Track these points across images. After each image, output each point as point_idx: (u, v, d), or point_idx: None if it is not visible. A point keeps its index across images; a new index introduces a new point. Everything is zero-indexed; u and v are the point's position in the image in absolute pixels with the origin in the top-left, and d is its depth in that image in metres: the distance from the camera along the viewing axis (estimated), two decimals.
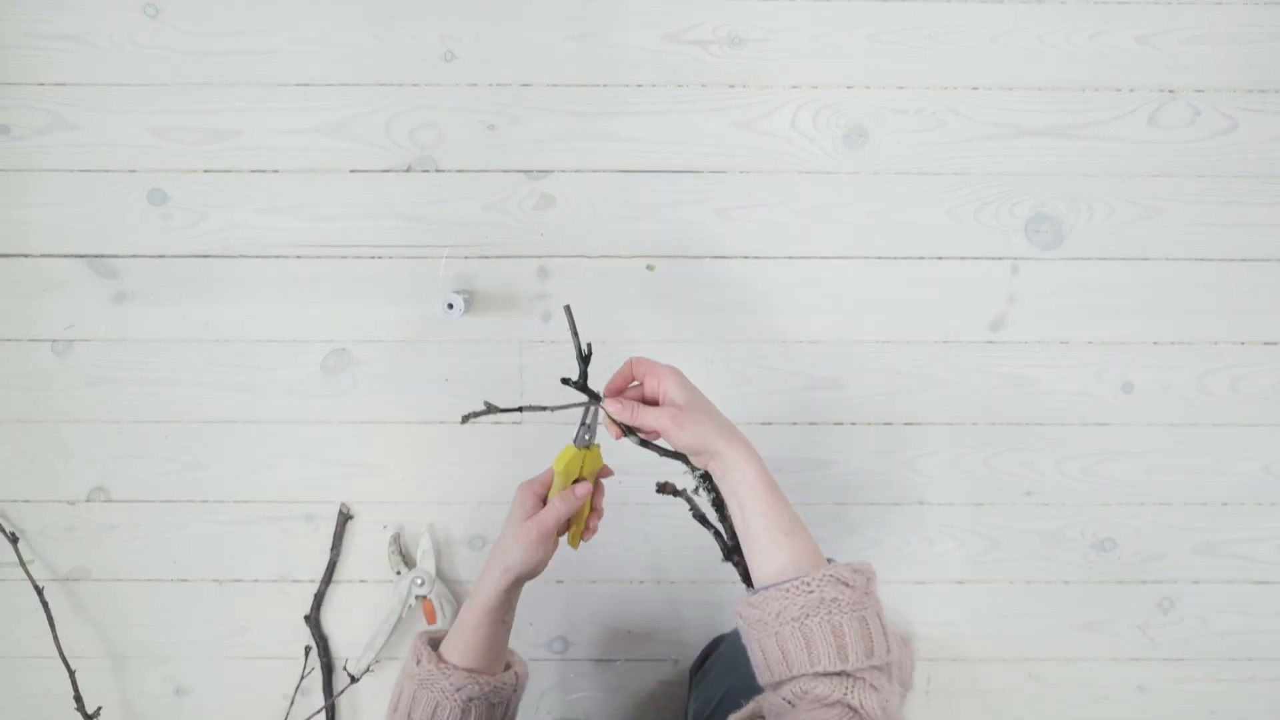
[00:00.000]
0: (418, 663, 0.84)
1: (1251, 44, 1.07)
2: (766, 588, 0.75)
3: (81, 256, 1.08)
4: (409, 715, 0.83)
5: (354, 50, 1.07)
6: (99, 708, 1.09)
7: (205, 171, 1.08)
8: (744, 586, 0.81)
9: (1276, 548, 1.12)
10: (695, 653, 1.11)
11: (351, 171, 1.08)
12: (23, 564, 1.09)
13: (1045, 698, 1.13)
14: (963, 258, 1.09)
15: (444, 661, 0.84)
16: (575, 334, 0.83)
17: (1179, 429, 1.11)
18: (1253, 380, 1.10)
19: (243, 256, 1.08)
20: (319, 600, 1.11)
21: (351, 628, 1.12)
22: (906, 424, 1.10)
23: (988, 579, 1.12)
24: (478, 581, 0.85)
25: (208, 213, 1.08)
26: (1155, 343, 1.10)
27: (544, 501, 0.85)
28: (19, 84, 1.06)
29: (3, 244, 1.08)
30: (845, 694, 0.70)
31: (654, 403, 0.81)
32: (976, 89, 1.08)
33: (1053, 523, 1.11)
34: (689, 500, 0.87)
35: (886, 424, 1.10)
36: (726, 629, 1.11)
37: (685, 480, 0.84)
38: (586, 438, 0.84)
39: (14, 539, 1.09)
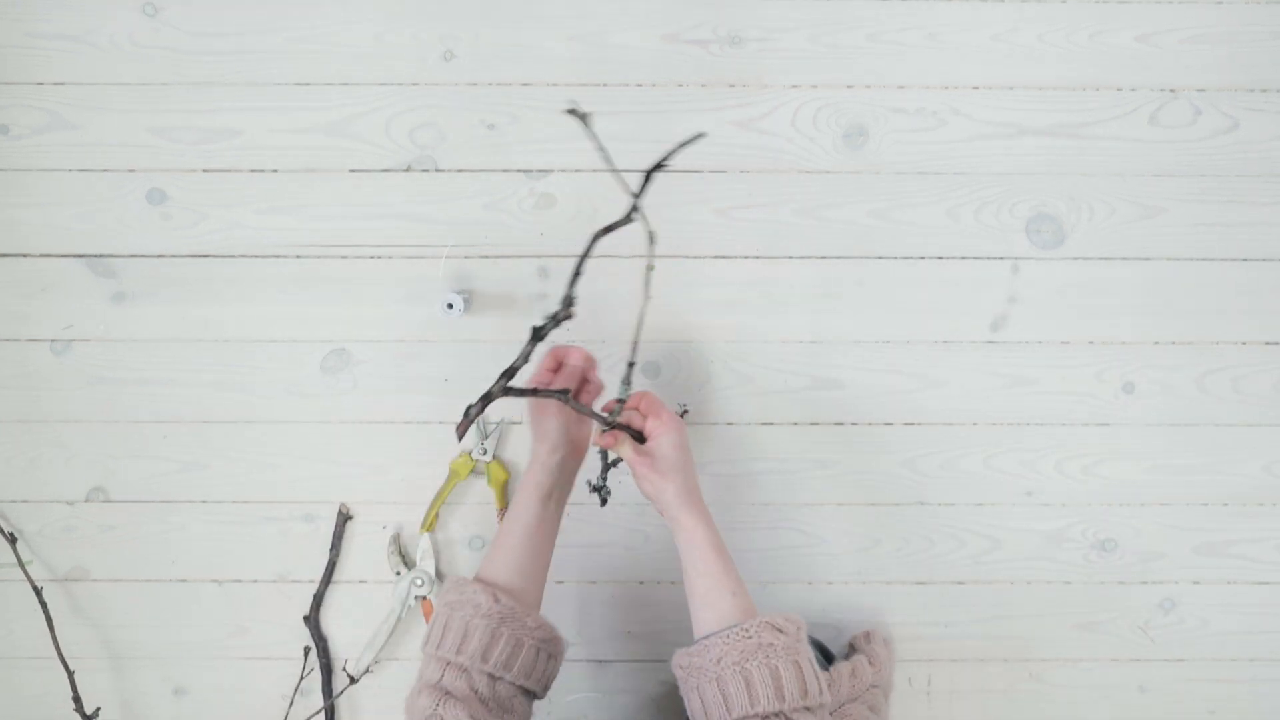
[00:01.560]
0: (496, 600, 0.85)
1: (1253, 43, 1.07)
2: (707, 636, 0.82)
3: (80, 256, 1.08)
4: (440, 642, 0.85)
5: (353, 50, 1.07)
6: (98, 708, 1.09)
7: (204, 171, 1.07)
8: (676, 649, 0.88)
9: (1277, 548, 1.12)
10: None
11: (351, 171, 1.08)
12: (21, 564, 1.09)
13: (1046, 698, 1.13)
14: (963, 257, 1.09)
15: (479, 581, 0.88)
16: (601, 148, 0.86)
17: (1180, 429, 1.10)
18: (1254, 380, 1.10)
19: (242, 256, 1.08)
20: (318, 601, 1.10)
21: (351, 628, 1.12)
22: (906, 424, 1.10)
23: (988, 579, 1.12)
24: (512, 503, 0.92)
25: (207, 212, 1.07)
26: (1156, 343, 1.10)
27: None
28: (18, 83, 1.06)
29: (1, 243, 1.08)
30: None
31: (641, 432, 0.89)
32: (977, 88, 1.08)
33: (1053, 523, 1.11)
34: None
35: (887, 424, 1.10)
36: None
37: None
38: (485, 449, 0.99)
39: (13, 539, 1.09)
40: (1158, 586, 1.12)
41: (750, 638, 0.80)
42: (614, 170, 0.85)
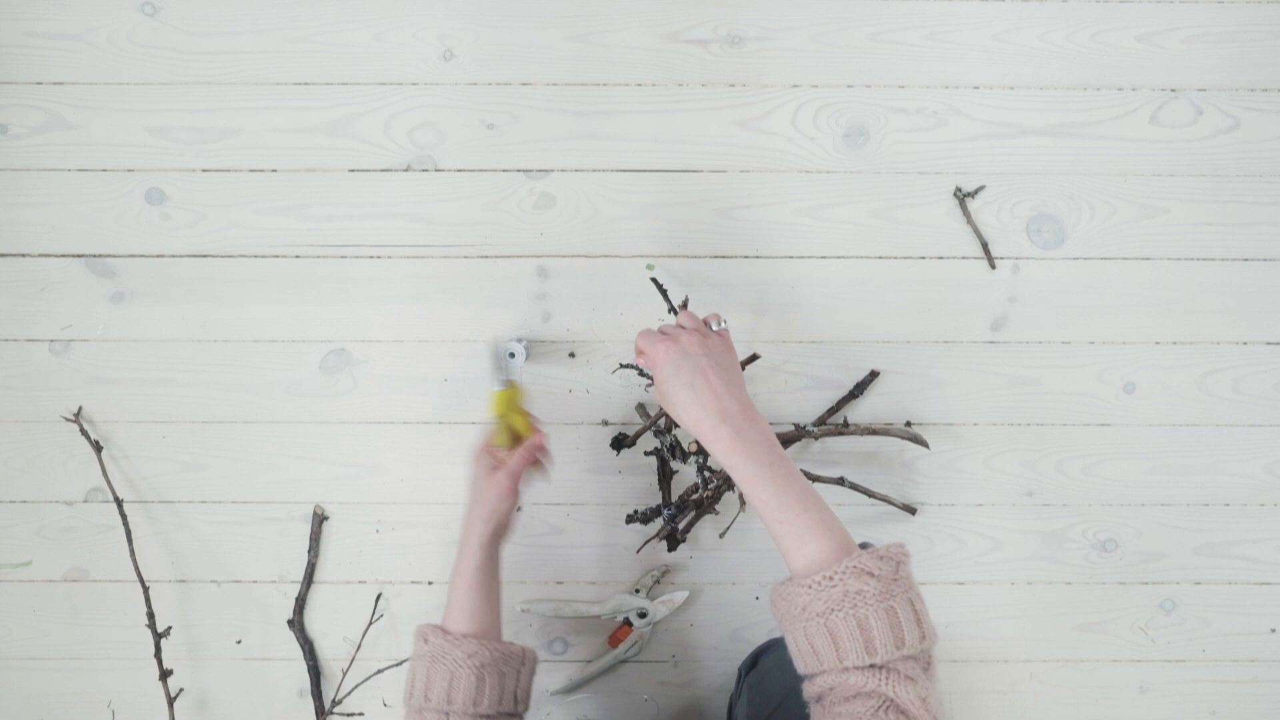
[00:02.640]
0: (425, 642, 0.87)
1: (1253, 43, 1.07)
2: (791, 580, 0.74)
3: (79, 256, 1.08)
4: (426, 695, 0.85)
5: (353, 49, 1.06)
6: (169, 626, 1.09)
7: (204, 171, 1.07)
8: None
9: (1278, 548, 1.11)
10: (696, 652, 1.11)
11: (350, 171, 1.07)
12: (105, 476, 1.08)
13: (1047, 699, 1.13)
14: (964, 257, 1.09)
15: (450, 633, 0.87)
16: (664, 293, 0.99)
17: (1180, 429, 1.10)
18: (1255, 380, 1.10)
19: (241, 256, 1.08)
20: (301, 603, 1.10)
21: (341, 627, 1.11)
22: (907, 424, 1.10)
23: (989, 580, 1.12)
24: (461, 549, 0.91)
25: (206, 212, 1.07)
26: (1157, 343, 1.10)
27: (489, 454, 0.95)
28: (17, 83, 1.06)
29: (0, 243, 1.08)
30: (880, 684, 0.68)
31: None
32: (977, 88, 1.08)
33: (1054, 523, 1.11)
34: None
35: (887, 424, 1.09)
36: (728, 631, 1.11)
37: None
38: (503, 379, 0.97)
39: (98, 447, 1.08)
40: (1158, 587, 1.12)
41: (835, 585, 0.71)
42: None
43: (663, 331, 0.84)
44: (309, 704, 1.12)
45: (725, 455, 0.77)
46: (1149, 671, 1.12)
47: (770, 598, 0.77)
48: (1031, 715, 1.13)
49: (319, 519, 1.10)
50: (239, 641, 1.11)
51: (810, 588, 0.72)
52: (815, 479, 1.05)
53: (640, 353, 0.85)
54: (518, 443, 0.97)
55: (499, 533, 0.92)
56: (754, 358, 1.04)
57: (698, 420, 0.78)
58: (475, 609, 0.89)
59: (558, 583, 1.11)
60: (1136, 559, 1.11)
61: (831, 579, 0.71)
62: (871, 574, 0.71)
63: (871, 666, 0.69)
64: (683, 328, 0.84)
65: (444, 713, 0.85)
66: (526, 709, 0.90)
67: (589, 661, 1.11)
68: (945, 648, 1.12)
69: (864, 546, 0.79)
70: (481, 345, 1.08)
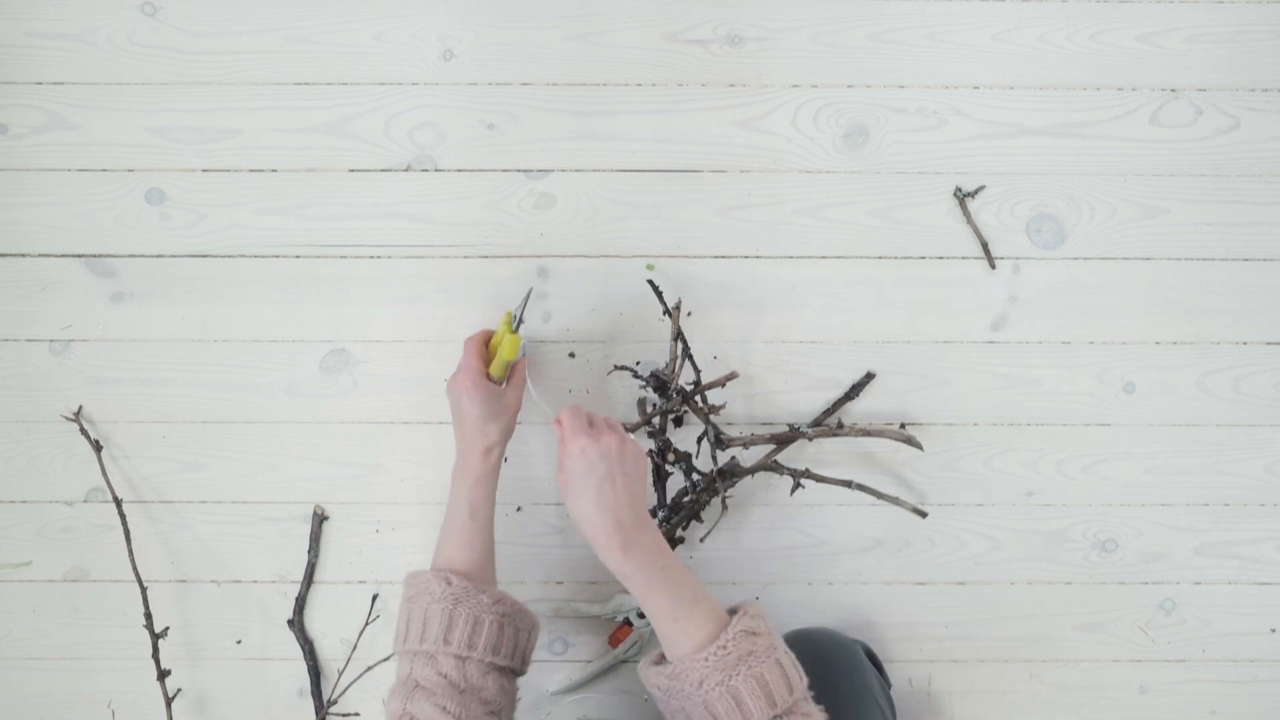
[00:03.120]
0: (448, 583, 0.85)
1: (1253, 42, 1.07)
2: (681, 659, 0.78)
3: (79, 256, 1.08)
4: (444, 637, 0.83)
5: (353, 49, 1.07)
6: (166, 628, 1.09)
7: (204, 171, 1.07)
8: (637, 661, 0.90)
9: (1278, 548, 1.11)
10: None
11: (350, 171, 1.07)
12: (105, 475, 1.08)
13: (1047, 699, 1.13)
14: (964, 257, 1.09)
15: (473, 578, 0.86)
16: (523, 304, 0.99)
17: (1180, 429, 1.10)
18: (1254, 380, 1.10)
19: (241, 256, 1.08)
20: (301, 604, 1.10)
21: (341, 627, 1.11)
22: (907, 424, 1.10)
23: (989, 580, 1.12)
24: (462, 482, 0.91)
25: (206, 212, 1.07)
26: (1157, 343, 1.10)
27: (488, 380, 0.95)
28: (17, 83, 1.06)
29: (0, 243, 1.08)
30: None
31: None
32: (977, 88, 1.08)
33: (1054, 523, 1.11)
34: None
35: (887, 424, 1.09)
36: None
37: None
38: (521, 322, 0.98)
39: (98, 447, 1.08)
40: (1158, 587, 1.12)
41: (729, 652, 0.76)
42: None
43: (590, 421, 0.86)
44: (309, 704, 1.11)
45: (617, 564, 0.80)
46: (1149, 671, 1.12)
47: (650, 681, 0.81)
48: (1031, 715, 1.13)
49: (319, 519, 1.10)
50: (239, 641, 1.11)
51: (706, 660, 0.76)
52: (822, 479, 1.05)
53: (559, 423, 0.86)
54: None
55: (485, 476, 0.92)
56: (732, 376, 1.04)
57: (593, 525, 0.80)
58: (460, 549, 0.89)
59: (558, 583, 1.11)
60: (1136, 559, 1.11)
61: (725, 647, 0.76)
62: (755, 633, 0.78)
63: (775, 718, 0.75)
64: (607, 425, 0.86)
65: (461, 658, 0.83)
66: (522, 668, 0.90)
67: (589, 661, 1.11)
68: (946, 648, 1.12)
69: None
70: (521, 286, 1.08)
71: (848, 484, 1.05)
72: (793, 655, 0.80)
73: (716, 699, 0.75)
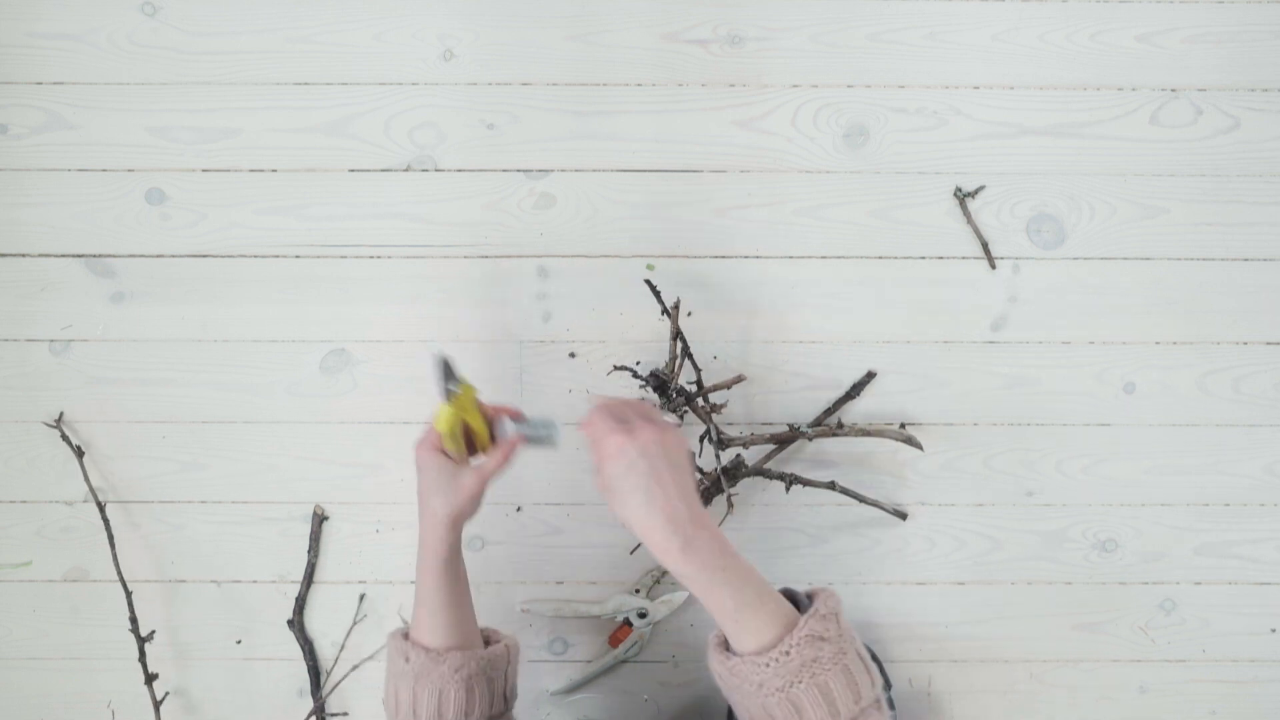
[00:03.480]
0: (406, 660, 0.83)
1: (1253, 42, 1.07)
2: (743, 657, 0.72)
3: (79, 256, 1.08)
4: (414, 712, 0.83)
5: (353, 49, 1.07)
6: (153, 631, 1.08)
7: (204, 171, 1.07)
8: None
9: (1278, 548, 1.11)
10: (696, 652, 1.11)
11: (350, 171, 1.08)
12: (89, 481, 1.08)
13: (1046, 699, 1.13)
14: (964, 257, 1.09)
15: (430, 649, 0.84)
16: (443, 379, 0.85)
17: (1180, 429, 1.10)
18: (1254, 380, 1.10)
19: (241, 256, 1.08)
20: (301, 604, 1.10)
21: (341, 627, 1.11)
22: (907, 424, 1.10)
23: (988, 580, 1.12)
24: (424, 557, 0.86)
25: (206, 212, 1.07)
26: (1157, 343, 1.10)
27: (445, 454, 0.86)
28: (16, 83, 1.06)
29: (0, 243, 1.08)
30: None
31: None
32: (977, 88, 1.08)
33: (1054, 523, 1.11)
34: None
35: (886, 424, 1.09)
36: None
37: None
38: (450, 389, 0.84)
39: (80, 452, 1.08)
40: (1158, 587, 1.12)
41: (791, 659, 0.70)
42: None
43: (617, 416, 0.77)
44: (309, 704, 1.11)
45: (676, 566, 0.73)
46: (1149, 671, 1.12)
47: (714, 667, 0.75)
48: (1031, 715, 1.13)
49: (319, 519, 1.10)
50: (239, 641, 1.11)
51: (767, 665, 0.70)
52: (805, 483, 1.05)
53: (591, 425, 0.77)
54: (470, 448, 0.88)
55: (460, 535, 0.87)
56: (739, 379, 1.04)
57: (647, 528, 0.73)
58: (452, 620, 0.85)
59: (558, 583, 1.11)
60: (1136, 559, 1.11)
61: (788, 653, 0.70)
62: (823, 638, 0.71)
63: None
64: (641, 417, 0.77)
65: None
66: (515, 699, 0.90)
67: (589, 661, 1.11)
68: (946, 648, 1.12)
69: (786, 591, 0.78)
70: (488, 346, 1.08)
71: (830, 486, 1.04)
72: (867, 657, 0.74)
73: (775, 705, 0.70)
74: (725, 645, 0.76)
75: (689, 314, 1.08)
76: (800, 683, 0.70)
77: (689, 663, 1.12)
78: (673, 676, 1.12)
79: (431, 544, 0.86)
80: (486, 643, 0.90)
